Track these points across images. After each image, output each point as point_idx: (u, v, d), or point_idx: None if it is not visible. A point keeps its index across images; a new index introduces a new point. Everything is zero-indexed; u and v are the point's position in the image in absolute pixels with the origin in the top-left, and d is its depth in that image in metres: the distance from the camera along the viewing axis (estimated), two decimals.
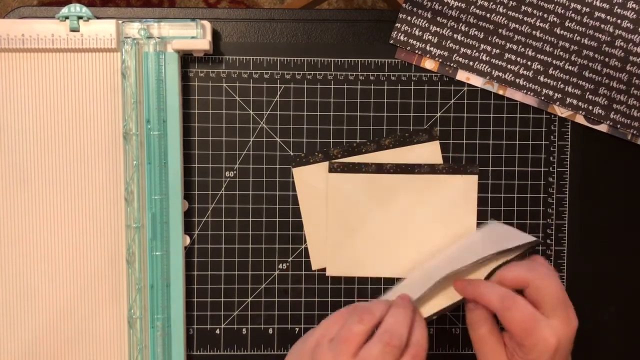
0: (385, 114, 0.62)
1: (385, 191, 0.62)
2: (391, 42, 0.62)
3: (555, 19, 0.62)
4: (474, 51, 0.62)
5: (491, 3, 0.62)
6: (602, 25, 0.61)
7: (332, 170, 0.62)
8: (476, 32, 0.62)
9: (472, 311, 0.49)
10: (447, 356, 0.63)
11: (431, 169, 0.62)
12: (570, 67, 0.62)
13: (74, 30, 0.58)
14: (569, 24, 0.62)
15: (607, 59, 0.62)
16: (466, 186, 0.62)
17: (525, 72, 0.62)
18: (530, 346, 0.45)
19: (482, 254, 0.51)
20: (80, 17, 0.58)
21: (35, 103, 0.59)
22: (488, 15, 0.62)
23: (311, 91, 0.62)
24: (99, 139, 0.59)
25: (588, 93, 0.62)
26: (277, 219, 0.62)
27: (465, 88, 0.62)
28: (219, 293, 0.62)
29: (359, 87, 0.62)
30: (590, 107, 0.62)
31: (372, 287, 0.63)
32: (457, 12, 0.62)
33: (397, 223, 0.62)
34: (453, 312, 0.63)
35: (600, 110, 0.62)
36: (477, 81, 0.62)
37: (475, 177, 0.62)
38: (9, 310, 0.60)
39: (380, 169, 0.62)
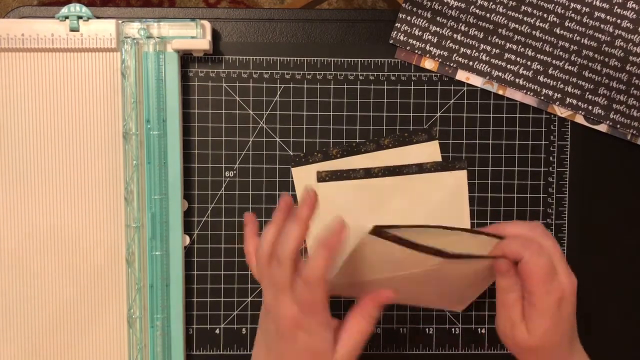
0: (384, 113, 0.62)
1: (376, 196, 0.62)
2: (391, 42, 0.62)
3: (555, 19, 0.62)
4: (474, 51, 0.62)
5: (491, 3, 0.62)
6: (602, 25, 0.61)
7: (320, 179, 0.62)
8: (476, 32, 0.62)
9: (504, 277, 0.50)
10: (447, 356, 0.63)
11: (419, 169, 0.62)
12: (570, 67, 0.62)
13: (74, 30, 0.58)
14: (569, 24, 0.62)
15: (607, 59, 0.62)
16: (456, 182, 0.62)
17: (525, 72, 0.62)
18: (544, 293, 0.48)
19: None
20: (80, 17, 0.58)
21: (35, 103, 0.59)
22: (488, 15, 0.62)
23: (311, 91, 0.62)
24: (98, 138, 0.60)
25: (588, 93, 0.62)
26: None
27: (465, 88, 0.62)
28: (219, 293, 0.62)
29: (358, 87, 0.62)
30: (590, 107, 0.62)
31: None
32: (457, 12, 0.62)
33: None
34: (452, 312, 0.63)
35: (600, 110, 0.62)
36: (476, 81, 0.62)
37: (464, 172, 0.62)
38: (9, 309, 0.60)
39: (368, 173, 0.62)
